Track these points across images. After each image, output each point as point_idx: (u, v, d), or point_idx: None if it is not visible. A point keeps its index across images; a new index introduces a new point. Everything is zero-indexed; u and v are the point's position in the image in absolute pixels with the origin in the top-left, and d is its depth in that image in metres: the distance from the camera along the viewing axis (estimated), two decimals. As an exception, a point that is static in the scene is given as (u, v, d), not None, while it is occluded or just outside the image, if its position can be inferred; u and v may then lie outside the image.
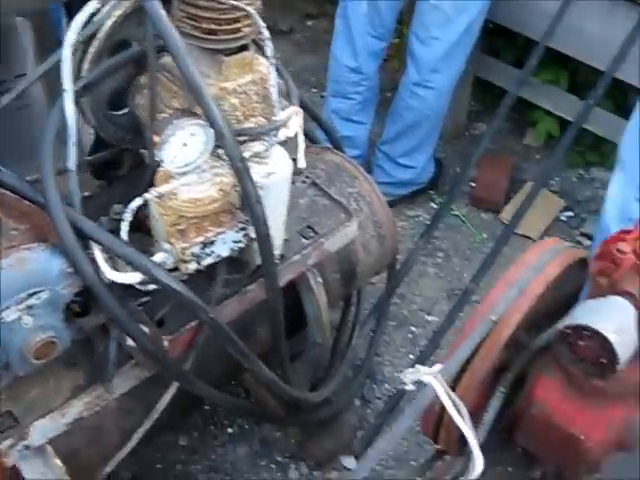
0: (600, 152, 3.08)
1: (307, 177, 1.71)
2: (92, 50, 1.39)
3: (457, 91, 2.92)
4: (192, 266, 1.26)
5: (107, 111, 1.54)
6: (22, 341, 1.18)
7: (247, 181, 1.17)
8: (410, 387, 0.88)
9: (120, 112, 1.49)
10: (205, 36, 1.26)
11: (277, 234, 1.43)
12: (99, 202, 1.48)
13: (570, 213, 2.95)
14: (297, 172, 1.69)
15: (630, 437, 1.17)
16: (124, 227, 1.17)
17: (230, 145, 1.14)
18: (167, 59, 1.32)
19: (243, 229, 1.29)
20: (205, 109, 1.11)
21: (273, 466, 2.12)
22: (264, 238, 1.25)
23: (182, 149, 1.15)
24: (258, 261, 1.41)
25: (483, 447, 1.32)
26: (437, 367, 0.91)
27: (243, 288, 1.47)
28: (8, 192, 1.24)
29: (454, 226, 2.84)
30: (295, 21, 3.90)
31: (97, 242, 1.17)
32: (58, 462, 1.32)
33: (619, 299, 0.94)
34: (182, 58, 1.11)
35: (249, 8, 1.26)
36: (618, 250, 0.98)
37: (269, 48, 1.33)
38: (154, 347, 1.31)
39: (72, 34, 1.15)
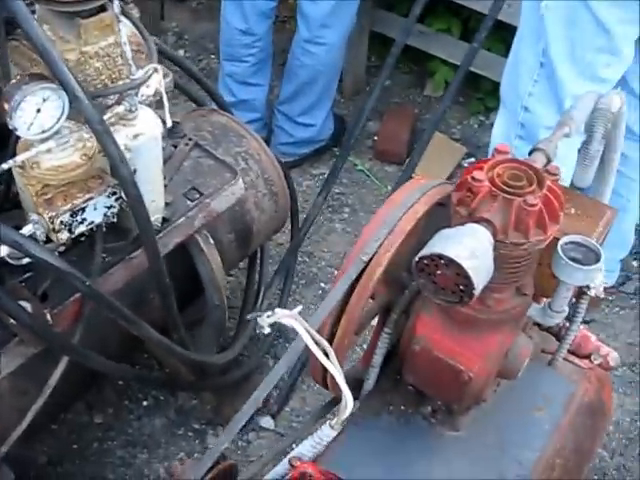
0: (499, 98, 3.14)
1: (190, 139, 1.70)
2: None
3: (354, 47, 2.94)
4: (64, 235, 1.24)
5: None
6: None
7: (109, 142, 1.15)
8: (267, 330, 0.89)
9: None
10: (59, -1, 1.22)
11: (156, 197, 1.42)
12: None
13: (472, 159, 3.00)
14: (180, 135, 1.69)
15: (509, 364, 1.21)
16: (-17, 200, 1.13)
17: (86, 107, 1.12)
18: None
19: (114, 193, 1.27)
20: (55, 71, 1.09)
21: (191, 434, 2.13)
22: (135, 199, 1.23)
23: (37, 115, 1.12)
24: (140, 226, 1.40)
25: (376, 389, 1.36)
26: (297, 309, 0.92)
27: (127, 255, 1.45)
28: None
29: (359, 181, 2.86)
30: (190, -12, 3.82)
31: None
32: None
33: (474, 225, 0.97)
34: (26, 21, 1.07)
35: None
36: (473, 178, 1.00)
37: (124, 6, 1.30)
38: (36, 322, 1.29)
39: None
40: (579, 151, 1.28)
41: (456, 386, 1.18)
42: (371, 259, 1.12)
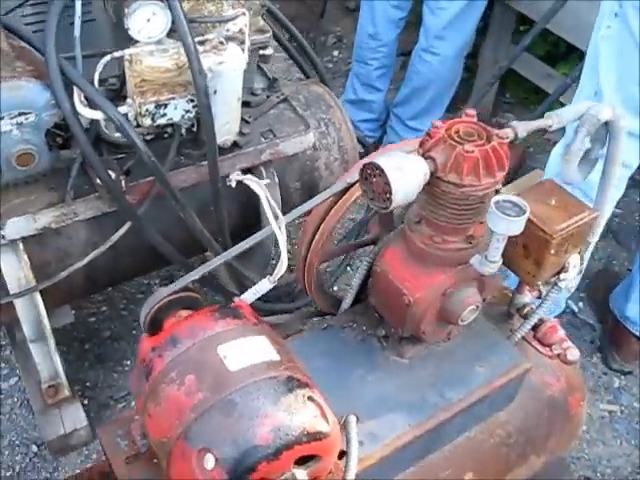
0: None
1: (282, 94, 2.05)
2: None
3: (485, 77, 3.18)
4: (147, 121, 1.62)
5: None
6: (10, 148, 1.57)
7: (193, 57, 1.52)
8: (233, 184, 1.20)
9: None
10: (191, -51, 1.62)
11: (230, 120, 1.77)
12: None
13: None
14: (276, 90, 2.05)
15: (450, 306, 1.44)
16: (95, 77, 1.54)
17: (183, 26, 1.50)
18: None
19: (192, 101, 1.63)
20: (166, -7, 1.47)
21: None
22: (204, 107, 1.59)
23: (146, 24, 1.51)
24: (217, 141, 1.76)
25: (350, 309, 1.62)
26: (265, 181, 1.23)
27: (199, 162, 1.82)
28: (28, 46, 1.65)
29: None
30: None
31: (75, 84, 1.54)
32: (27, 259, 1.71)
33: (417, 157, 1.23)
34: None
35: None
36: (434, 126, 1.27)
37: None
38: (113, 186, 1.68)
39: None
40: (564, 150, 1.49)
41: (399, 309, 1.42)
42: (354, 184, 1.41)
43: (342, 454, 1.24)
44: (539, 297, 1.68)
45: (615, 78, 1.94)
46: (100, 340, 2.43)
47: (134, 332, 2.45)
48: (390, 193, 1.18)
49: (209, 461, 1.01)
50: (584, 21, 2.44)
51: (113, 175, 1.70)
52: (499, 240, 1.29)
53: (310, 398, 1.10)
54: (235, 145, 1.86)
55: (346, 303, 1.61)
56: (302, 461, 1.05)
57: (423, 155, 1.27)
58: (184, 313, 1.27)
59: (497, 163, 1.26)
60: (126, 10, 1.49)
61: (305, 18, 3.79)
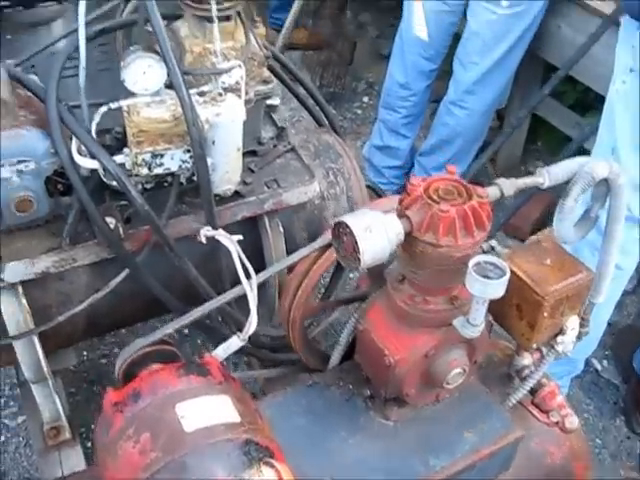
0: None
1: (289, 143, 2.05)
2: (127, 9, 1.84)
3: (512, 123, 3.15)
4: (144, 170, 1.64)
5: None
6: (9, 194, 1.60)
7: (187, 108, 1.53)
8: (203, 240, 1.19)
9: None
10: (195, 5, 1.65)
11: (230, 169, 1.77)
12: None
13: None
14: (283, 138, 2.06)
15: (434, 368, 1.40)
16: (93, 126, 1.57)
17: (177, 78, 1.51)
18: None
19: (189, 151, 1.65)
20: (161, 48, 1.50)
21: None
22: (198, 157, 1.60)
23: (143, 76, 1.54)
24: (217, 190, 1.77)
25: (337, 367, 1.59)
26: (237, 237, 1.22)
27: (200, 209, 1.82)
28: (33, 95, 1.70)
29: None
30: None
31: (73, 133, 1.57)
32: (25, 303, 1.73)
33: (391, 215, 1.20)
34: (152, 13, 1.49)
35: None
36: (411, 183, 1.25)
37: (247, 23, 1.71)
38: (111, 234, 1.69)
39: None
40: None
41: (381, 369, 1.39)
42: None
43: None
44: (540, 359, 1.62)
45: (630, 134, 1.90)
46: (110, 382, 2.41)
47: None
48: (359, 252, 1.16)
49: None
50: (610, 70, 2.39)
51: (112, 222, 1.72)
52: (479, 302, 1.25)
53: (267, 463, 1.07)
54: (237, 194, 1.86)
55: (334, 360, 1.59)
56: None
57: (400, 212, 1.25)
58: (156, 367, 1.27)
59: (476, 223, 1.23)
60: (122, 63, 1.52)
61: (336, 64, 3.82)
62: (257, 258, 2.01)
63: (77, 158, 1.57)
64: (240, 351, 2.23)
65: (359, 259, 1.15)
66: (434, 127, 2.94)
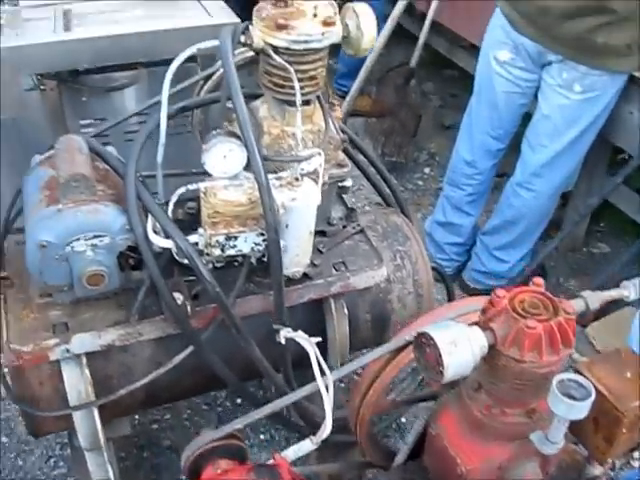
0: None
1: (358, 225, 2.04)
2: (206, 87, 1.87)
3: (578, 206, 3.10)
4: (216, 252, 1.64)
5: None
6: (82, 268, 1.61)
7: (265, 194, 1.53)
8: (282, 341, 1.17)
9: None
10: (275, 88, 1.67)
11: (300, 253, 1.76)
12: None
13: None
14: (352, 219, 2.05)
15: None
16: (170, 205, 1.58)
17: (257, 164, 1.52)
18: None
19: (263, 235, 1.64)
20: (244, 134, 1.51)
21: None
22: (272, 242, 1.59)
23: (223, 160, 1.55)
24: (286, 272, 1.76)
25: (402, 466, 1.55)
26: (316, 339, 1.20)
27: (267, 290, 1.81)
28: (111, 170, 1.72)
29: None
30: (459, 119, 4.23)
31: (149, 211, 1.58)
32: (88, 374, 1.73)
33: (475, 327, 1.17)
34: (236, 98, 1.51)
35: (313, 72, 1.66)
36: (496, 294, 1.21)
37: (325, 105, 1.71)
38: (178, 311, 1.69)
39: (171, 70, 1.60)
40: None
41: (451, 477, 1.35)
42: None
43: None
44: (612, 469, 1.55)
45: None
46: (159, 449, 2.41)
47: (194, 444, 2.43)
48: (442, 367, 1.12)
49: None
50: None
51: (180, 298, 1.72)
52: (561, 422, 1.20)
53: None
54: (305, 276, 1.85)
55: (399, 458, 1.53)
56: None
57: (483, 324, 1.21)
58: (223, 464, 1.24)
59: (562, 340, 1.19)
60: (204, 146, 1.53)
61: (399, 134, 3.83)
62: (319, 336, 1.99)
63: (152, 237, 1.58)
64: (292, 428, 2.22)
65: (442, 373, 1.12)
66: (499, 207, 2.90)
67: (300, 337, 1.19)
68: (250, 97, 1.80)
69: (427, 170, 3.87)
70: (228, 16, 2.29)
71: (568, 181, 2.80)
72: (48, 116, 2.38)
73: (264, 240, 1.66)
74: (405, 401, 1.66)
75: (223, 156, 1.54)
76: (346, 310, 1.99)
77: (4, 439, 2.44)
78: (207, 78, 1.88)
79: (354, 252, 1.98)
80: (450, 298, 2.41)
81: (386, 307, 2.12)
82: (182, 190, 1.57)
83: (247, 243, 1.65)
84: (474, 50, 3.83)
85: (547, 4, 2.42)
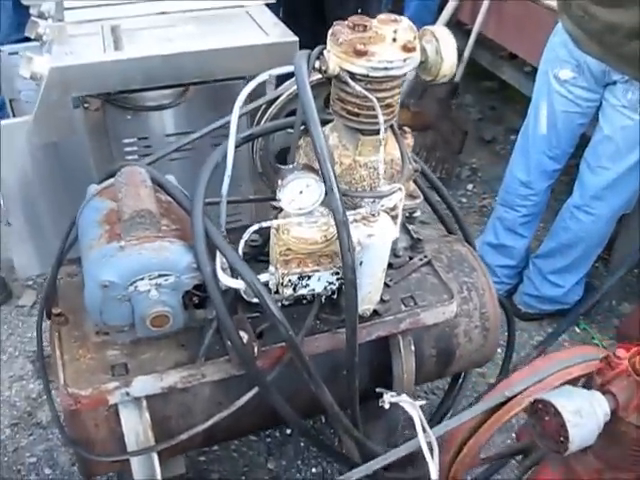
0: None
1: (425, 256, 1.93)
2: (270, 111, 1.78)
3: (632, 229, 2.98)
4: (288, 291, 1.54)
5: (275, 162, 1.90)
6: (146, 308, 1.52)
7: (344, 233, 1.43)
8: (386, 405, 1.07)
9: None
10: (349, 116, 1.56)
11: (372, 290, 1.67)
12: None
13: None
14: (419, 250, 1.94)
15: None
16: (241, 243, 1.48)
17: (336, 201, 1.41)
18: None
19: (337, 273, 1.54)
20: (322, 169, 1.40)
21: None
22: (349, 283, 1.49)
23: (299, 195, 1.45)
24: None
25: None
26: (420, 402, 1.10)
27: (335, 329, 1.71)
28: (174, 201, 1.63)
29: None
30: (500, 133, 4.14)
31: (219, 249, 1.49)
32: (148, 417, 1.63)
33: (596, 393, 1.06)
34: (314, 129, 1.41)
35: (390, 100, 1.56)
36: (615, 355, 1.11)
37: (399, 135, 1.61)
38: (244, 351, 1.59)
39: (242, 96, 1.50)
40: None
41: None
42: (513, 397, 1.25)
43: None
44: None
45: None
46: (206, 483, 2.32)
47: (242, 478, 2.33)
48: (566, 438, 1.02)
49: None
50: None
51: (245, 337, 1.62)
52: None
53: None
54: (374, 312, 1.75)
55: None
56: None
57: (601, 387, 1.11)
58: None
59: (693, 408, 1.08)
60: (280, 182, 1.43)
61: (441, 149, 3.72)
62: (382, 372, 1.90)
63: (222, 277, 1.48)
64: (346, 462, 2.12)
65: (566, 445, 1.01)
66: (555, 230, 2.79)
67: (405, 401, 1.09)
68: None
69: (470, 187, 3.76)
70: (284, 34, 2.19)
71: (628, 204, 2.68)
72: (91, 135, 2.29)
73: (338, 279, 1.56)
74: (496, 456, 1.56)
75: (299, 191, 1.45)
76: (413, 346, 1.89)
77: (47, 470, 2.35)
78: (270, 102, 1.79)
79: (422, 286, 1.88)
80: (510, 330, 2.29)
81: (452, 341, 2.02)
82: (255, 227, 1.47)
83: (320, 282, 1.56)
84: (515, 62, 3.73)
85: (614, 22, 2.30)
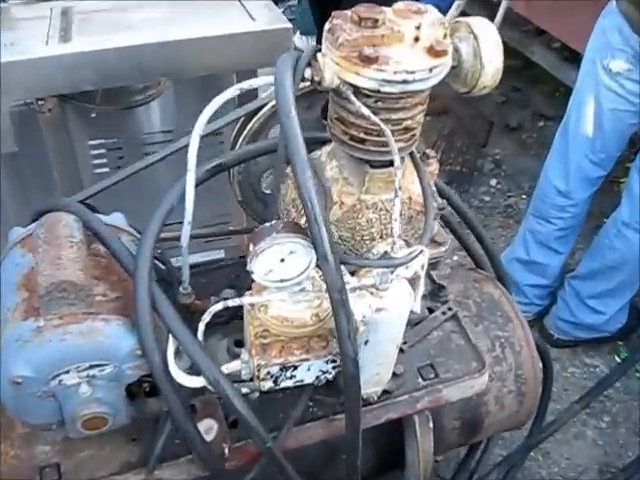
0: None
1: (450, 309, 1.53)
2: (251, 125, 1.36)
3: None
4: (267, 384, 1.14)
5: (258, 187, 1.50)
6: (75, 408, 1.13)
7: (341, 315, 1.02)
8: None
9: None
10: (352, 143, 1.14)
11: (382, 371, 1.27)
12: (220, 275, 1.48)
13: None
14: (442, 300, 1.54)
15: None
16: (200, 327, 1.07)
17: (331, 272, 1.00)
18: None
19: (334, 361, 1.14)
20: (312, 228, 0.99)
21: None
22: (350, 378, 1.09)
23: (279, 264, 1.04)
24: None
25: None
26: None
27: (332, 415, 1.33)
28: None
29: (633, 391, 2.45)
30: (526, 119, 3.69)
31: (171, 332, 1.08)
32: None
33: None
34: (301, 175, 0.99)
35: (409, 122, 1.14)
36: None
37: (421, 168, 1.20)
38: (211, 453, 1.20)
39: (202, 119, 1.08)
40: None
41: None
42: None
43: None
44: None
45: None
46: None
47: None
48: None
49: None
50: None
51: (214, 430, 1.23)
52: None
53: None
54: (384, 391, 1.35)
55: None
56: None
57: None
58: None
59: None
60: (251, 248, 1.02)
61: (461, 137, 3.27)
62: (394, 453, 1.52)
63: (174, 372, 1.08)
64: None
65: None
66: (598, 249, 2.37)
67: None
68: (311, 143, 1.28)
69: (493, 182, 3.32)
70: (276, 19, 1.75)
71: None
72: (50, 141, 1.89)
73: (335, 367, 1.16)
74: None
75: (280, 259, 1.03)
76: (431, 424, 1.49)
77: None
78: (247, 119, 1.38)
79: (445, 349, 1.47)
80: (547, 385, 1.87)
81: (480, 411, 1.63)
82: (219, 307, 1.06)
83: (311, 372, 1.15)
84: (542, 37, 3.30)
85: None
